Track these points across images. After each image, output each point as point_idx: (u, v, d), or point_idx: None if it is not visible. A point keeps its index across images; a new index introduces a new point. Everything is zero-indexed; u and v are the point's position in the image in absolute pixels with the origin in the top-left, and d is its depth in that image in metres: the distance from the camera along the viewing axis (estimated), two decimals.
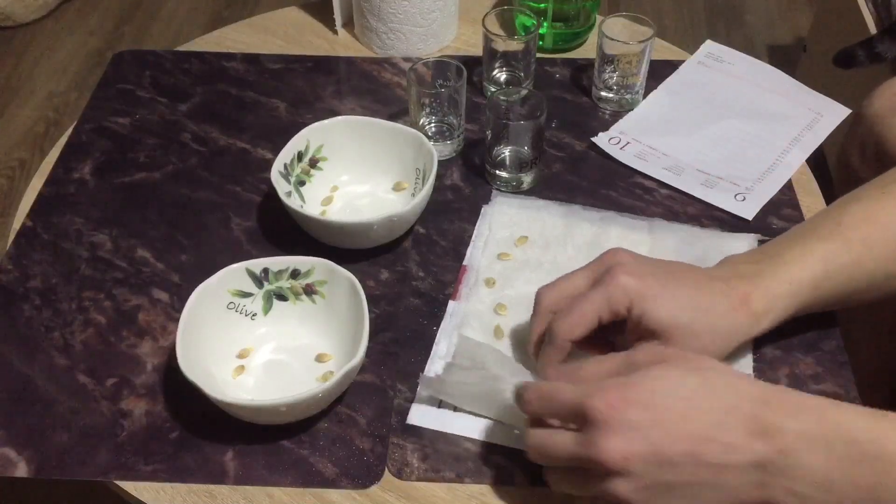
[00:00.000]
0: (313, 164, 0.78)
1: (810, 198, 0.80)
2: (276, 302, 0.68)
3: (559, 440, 0.53)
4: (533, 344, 0.62)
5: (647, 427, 0.49)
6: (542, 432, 0.54)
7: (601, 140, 0.84)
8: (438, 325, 0.69)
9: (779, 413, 0.49)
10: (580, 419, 0.51)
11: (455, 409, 0.64)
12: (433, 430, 0.63)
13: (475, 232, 0.76)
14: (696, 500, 0.50)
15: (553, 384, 0.55)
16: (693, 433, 0.49)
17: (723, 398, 0.50)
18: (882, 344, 0.89)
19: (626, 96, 0.88)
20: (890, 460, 0.47)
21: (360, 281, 0.65)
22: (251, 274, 0.67)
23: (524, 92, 0.81)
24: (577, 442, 0.51)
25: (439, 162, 0.76)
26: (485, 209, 0.78)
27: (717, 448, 0.49)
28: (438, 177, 0.79)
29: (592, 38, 0.96)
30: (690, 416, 0.50)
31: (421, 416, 0.63)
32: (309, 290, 0.68)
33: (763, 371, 0.66)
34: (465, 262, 0.74)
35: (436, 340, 0.68)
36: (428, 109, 0.82)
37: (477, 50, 0.92)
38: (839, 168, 1.02)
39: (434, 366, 0.66)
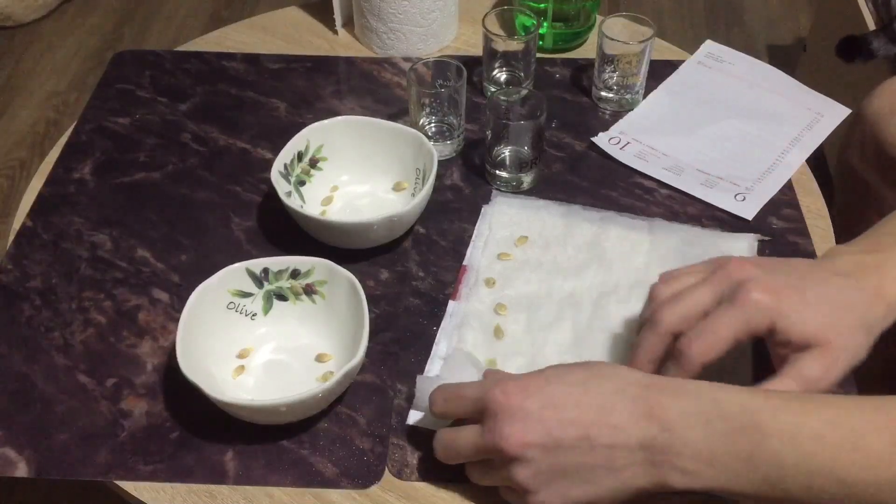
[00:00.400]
0: (313, 164, 0.78)
1: (810, 198, 0.80)
2: (276, 302, 0.68)
3: (464, 434, 0.56)
4: (642, 363, 0.59)
5: (541, 414, 0.52)
6: (447, 430, 0.57)
7: (601, 140, 0.84)
8: (438, 325, 0.69)
9: (661, 395, 0.52)
10: (482, 412, 0.54)
11: None
12: (433, 431, 0.63)
13: (475, 232, 0.76)
14: (592, 484, 0.52)
15: (458, 383, 0.58)
16: (584, 418, 0.52)
17: (610, 384, 0.53)
18: (883, 346, 0.89)
19: (626, 96, 0.88)
20: (763, 431, 0.49)
21: (360, 281, 0.65)
22: (251, 274, 0.67)
23: (524, 92, 0.81)
24: (479, 433, 0.54)
25: (439, 162, 0.76)
26: (485, 209, 0.78)
27: (606, 430, 0.51)
28: (438, 177, 0.79)
29: (592, 38, 0.96)
30: (581, 402, 0.52)
31: (421, 416, 0.63)
32: (309, 290, 0.68)
33: (763, 373, 0.66)
34: (465, 262, 0.74)
35: (436, 340, 0.68)
36: (428, 109, 0.82)
37: (477, 50, 0.92)
38: (839, 168, 1.02)
39: (434, 366, 0.66)
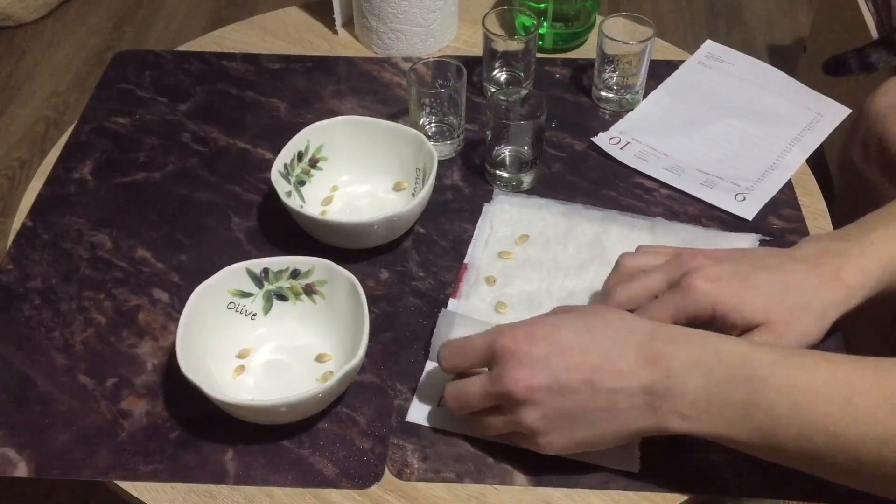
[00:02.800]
0: (313, 164, 0.78)
1: (810, 198, 0.80)
2: (276, 302, 0.68)
3: (473, 382, 0.58)
4: None
5: (548, 359, 0.54)
6: (457, 382, 0.59)
7: (601, 140, 0.84)
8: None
9: (665, 343, 0.54)
10: (490, 360, 0.57)
11: None
12: (433, 431, 0.63)
13: (476, 230, 0.76)
14: (595, 426, 0.55)
15: (465, 337, 0.60)
16: (589, 363, 0.54)
17: (616, 332, 0.55)
18: (882, 344, 0.89)
19: (626, 96, 0.88)
20: (760, 382, 0.51)
21: (360, 281, 0.65)
22: (251, 274, 0.67)
23: (524, 92, 0.81)
24: (487, 380, 0.57)
25: (439, 162, 0.76)
26: (486, 208, 0.78)
27: (609, 375, 0.54)
28: (438, 177, 0.79)
29: (592, 38, 0.96)
30: (587, 348, 0.55)
31: (421, 414, 0.63)
32: (309, 290, 0.68)
33: None
34: (465, 261, 0.74)
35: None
36: (428, 109, 0.82)
37: (477, 50, 0.92)
38: (841, 167, 1.02)
39: (434, 366, 0.66)
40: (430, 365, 0.66)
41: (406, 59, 0.95)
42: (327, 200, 0.78)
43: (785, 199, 0.79)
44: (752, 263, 0.61)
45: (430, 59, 0.82)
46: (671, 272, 0.62)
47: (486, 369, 0.58)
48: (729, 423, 0.52)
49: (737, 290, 0.59)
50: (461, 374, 0.61)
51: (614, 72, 0.86)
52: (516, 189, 0.80)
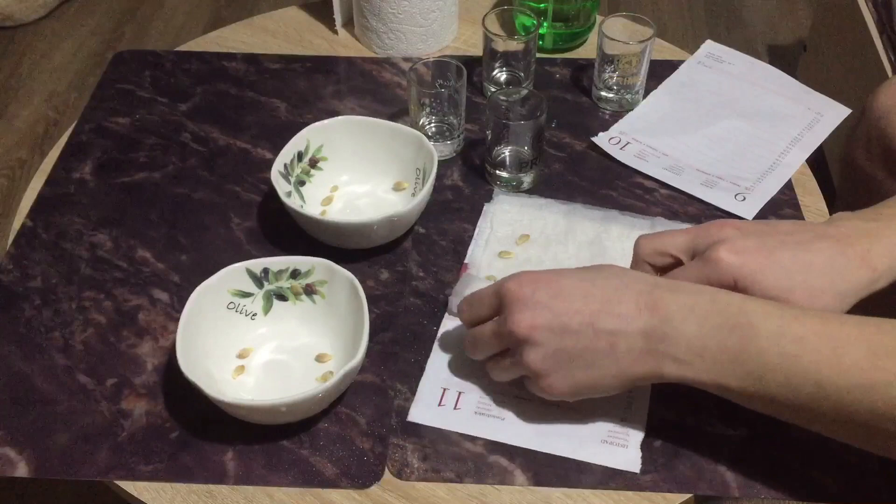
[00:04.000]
0: (313, 164, 0.78)
1: (810, 198, 0.80)
2: (276, 302, 0.68)
3: (484, 327, 0.61)
4: None
5: (550, 302, 0.57)
6: (473, 329, 0.63)
7: (601, 140, 0.84)
8: (438, 325, 0.69)
9: (665, 291, 0.56)
10: (500, 306, 0.60)
11: (455, 406, 0.64)
12: (433, 431, 0.63)
13: (476, 230, 0.76)
14: (594, 369, 0.57)
15: (478, 289, 0.63)
16: (590, 307, 0.57)
17: (618, 280, 0.58)
18: None
19: (626, 96, 0.88)
20: (752, 330, 0.53)
21: (360, 281, 0.65)
22: (251, 274, 0.67)
23: (524, 92, 0.81)
24: (496, 322, 0.60)
25: (439, 162, 0.76)
26: (487, 207, 0.78)
27: (610, 318, 0.56)
28: (438, 177, 0.79)
29: (592, 38, 0.96)
30: (589, 293, 0.57)
31: (421, 413, 0.63)
32: (309, 290, 0.68)
33: None
34: (465, 261, 0.74)
35: (436, 340, 0.68)
36: (428, 109, 0.82)
37: (477, 50, 0.92)
38: (843, 164, 1.01)
39: (435, 364, 0.66)
40: (431, 364, 0.66)
41: (406, 59, 0.95)
42: (327, 200, 0.78)
43: (785, 199, 0.79)
44: (779, 238, 0.61)
45: (430, 59, 0.82)
46: (697, 237, 0.62)
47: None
48: (720, 369, 0.54)
49: (760, 266, 0.59)
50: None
51: (614, 72, 0.86)
52: (516, 189, 0.80)
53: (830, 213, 0.79)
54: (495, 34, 0.87)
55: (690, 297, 0.56)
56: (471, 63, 0.90)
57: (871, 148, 0.93)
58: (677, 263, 0.62)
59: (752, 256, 0.59)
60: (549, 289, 0.58)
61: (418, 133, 0.76)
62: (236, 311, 0.67)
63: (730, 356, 0.54)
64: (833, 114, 0.87)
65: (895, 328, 0.53)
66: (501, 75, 0.89)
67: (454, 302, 0.68)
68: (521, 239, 0.75)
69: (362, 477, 0.60)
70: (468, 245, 0.75)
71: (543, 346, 0.57)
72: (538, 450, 0.61)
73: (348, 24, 0.99)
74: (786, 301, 0.58)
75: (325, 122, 0.77)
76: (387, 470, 0.61)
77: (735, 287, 0.59)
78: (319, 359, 0.66)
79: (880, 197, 0.81)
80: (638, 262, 0.64)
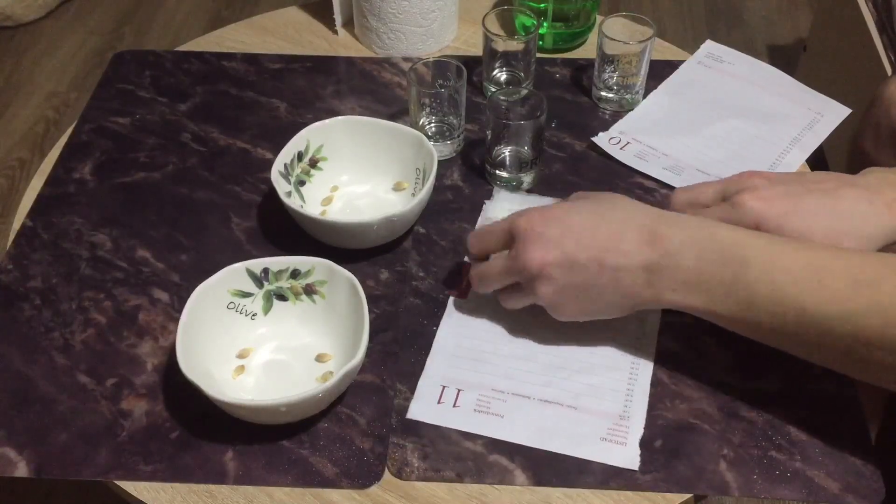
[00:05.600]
0: (313, 164, 0.78)
1: None
2: (276, 302, 0.68)
3: (493, 262, 0.65)
4: None
5: (560, 239, 0.61)
6: (481, 263, 0.66)
7: (601, 140, 0.84)
8: (438, 325, 0.69)
9: (666, 226, 0.60)
10: (509, 241, 0.63)
11: (454, 404, 0.64)
12: (433, 430, 0.63)
13: (476, 227, 0.76)
14: (601, 299, 0.62)
15: (487, 224, 0.67)
16: (597, 243, 0.60)
17: (623, 216, 0.61)
18: None
19: (626, 96, 0.88)
20: (744, 262, 0.57)
21: (360, 281, 0.65)
22: (251, 274, 0.67)
23: (524, 92, 0.81)
24: (507, 258, 0.63)
25: (439, 162, 0.76)
26: (486, 205, 0.78)
27: (615, 255, 0.60)
28: (438, 177, 0.79)
29: (592, 38, 0.96)
30: (596, 229, 0.61)
31: (420, 411, 0.64)
32: (309, 290, 0.68)
33: (763, 371, 0.66)
34: (468, 260, 0.74)
35: (436, 338, 0.68)
36: (428, 109, 0.82)
37: (477, 50, 0.92)
38: (851, 153, 1.01)
39: (434, 362, 0.66)
40: (430, 362, 0.66)
41: (406, 59, 0.95)
42: (327, 200, 0.78)
43: None
44: (806, 186, 0.63)
45: (430, 59, 0.82)
46: (728, 187, 0.65)
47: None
48: (714, 298, 0.58)
49: (783, 211, 0.62)
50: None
51: (614, 72, 0.86)
52: (516, 189, 0.80)
53: None
54: (495, 34, 0.87)
55: (690, 231, 0.59)
56: (471, 63, 0.90)
57: (880, 136, 0.93)
58: None
59: (776, 202, 0.62)
60: (559, 226, 0.61)
61: (418, 133, 0.76)
62: (236, 311, 0.67)
63: (723, 287, 0.58)
64: (833, 114, 0.87)
65: (879, 260, 0.56)
66: (501, 75, 0.89)
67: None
68: None
69: (362, 477, 0.60)
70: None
71: (554, 281, 0.61)
72: (537, 447, 0.62)
73: (348, 24, 0.99)
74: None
75: (325, 122, 0.77)
76: (387, 470, 0.61)
77: (758, 230, 0.61)
78: (319, 359, 0.66)
79: None
80: (672, 209, 0.67)
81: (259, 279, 0.67)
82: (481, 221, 0.77)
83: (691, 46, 0.96)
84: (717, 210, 0.64)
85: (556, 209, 0.63)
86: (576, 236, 0.61)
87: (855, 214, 0.62)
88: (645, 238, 0.59)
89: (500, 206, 0.78)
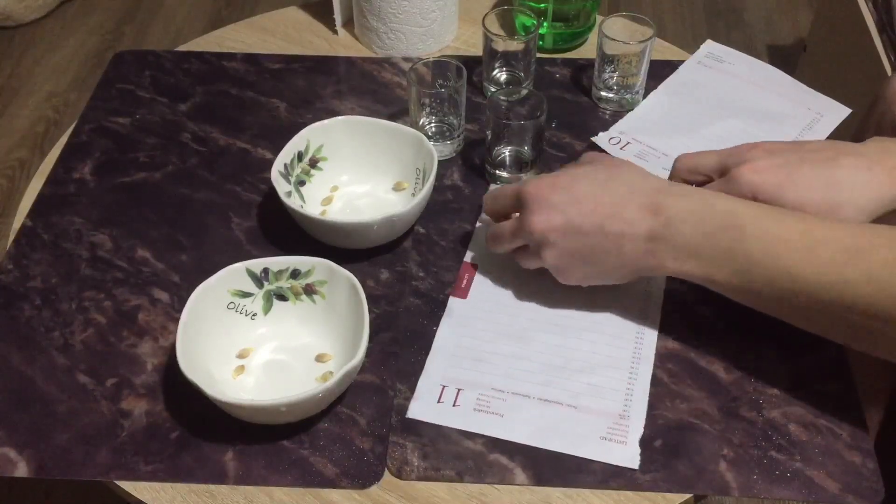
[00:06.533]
0: (313, 164, 0.78)
1: None
2: (276, 302, 0.68)
3: (505, 225, 0.68)
4: None
5: (565, 206, 0.63)
6: (495, 225, 0.69)
7: (601, 140, 0.84)
8: (438, 325, 0.69)
9: (668, 195, 0.62)
10: (519, 205, 0.66)
11: (454, 403, 0.64)
12: (433, 429, 0.63)
13: (476, 226, 0.76)
14: (603, 265, 0.64)
15: (501, 186, 0.71)
16: (601, 210, 0.62)
17: (628, 185, 0.63)
18: None
19: (626, 96, 0.88)
20: (742, 231, 0.59)
21: (360, 281, 0.65)
22: (251, 274, 0.67)
23: (524, 92, 0.81)
24: (515, 221, 0.66)
25: (439, 162, 0.76)
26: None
27: (618, 222, 0.62)
28: (438, 177, 0.79)
29: (592, 38, 0.96)
30: (600, 198, 0.63)
31: (420, 410, 0.64)
32: (309, 290, 0.68)
33: (763, 371, 0.66)
34: (466, 260, 0.74)
35: (436, 338, 0.68)
36: (428, 109, 0.82)
37: (477, 50, 0.92)
38: None
39: (434, 361, 0.66)
40: (430, 361, 0.66)
41: (406, 59, 0.95)
42: (327, 200, 0.78)
43: None
44: (803, 156, 0.64)
45: (430, 59, 0.82)
46: (729, 158, 0.66)
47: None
48: (713, 265, 0.60)
49: (779, 182, 0.63)
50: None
51: (614, 72, 0.86)
52: None
53: None
54: (495, 34, 0.87)
55: (690, 201, 0.61)
56: (471, 63, 0.90)
57: (881, 131, 0.93)
58: (709, 181, 0.67)
59: (772, 173, 0.63)
60: (565, 193, 0.63)
61: (418, 133, 0.76)
62: (236, 311, 0.67)
63: (721, 255, 0.60)
64: (833, 114, 0.87)
65: (872, 231, 0.57)
66: (501, 75, 0.89)
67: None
68: None
69: (362, 477, 0.60)
70: (468, 245, 0.75)
71: (558, 246, 0.64)
72: (537, 446, 0.62)
73: (348, 24, 0.99)
74: (820, 214, 0.62)
75: (325, 122, 0.77)
76: (386, 470, 0.61)
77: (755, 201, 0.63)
78: (319, 359, 0.66)
79: None
80: (674, 178, 0.70)
81: (259, 279, 0.67)
82: (479, 227, 0.77)
83: (691, 46, 0.96)
84: (716, 185, 0.66)
85: (564, 176, 0.65)
86: (580, 204, 0.63)
87: (853, 184, 0.62)
88: (647, 208, 0.61)
89: None
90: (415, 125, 0.81)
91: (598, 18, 0.94)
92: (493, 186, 0.76)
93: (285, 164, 0.75)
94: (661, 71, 0.91)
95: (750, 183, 0.63)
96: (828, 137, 0.85)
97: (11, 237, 0.77)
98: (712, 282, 0.61)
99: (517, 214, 0.67)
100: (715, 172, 0.67)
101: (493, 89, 0.89)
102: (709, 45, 0.95)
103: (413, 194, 0.76)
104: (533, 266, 0.68)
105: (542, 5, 0.92)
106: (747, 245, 0.59)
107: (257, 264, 0.67)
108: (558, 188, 0.64)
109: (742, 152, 0.66)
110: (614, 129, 0.86)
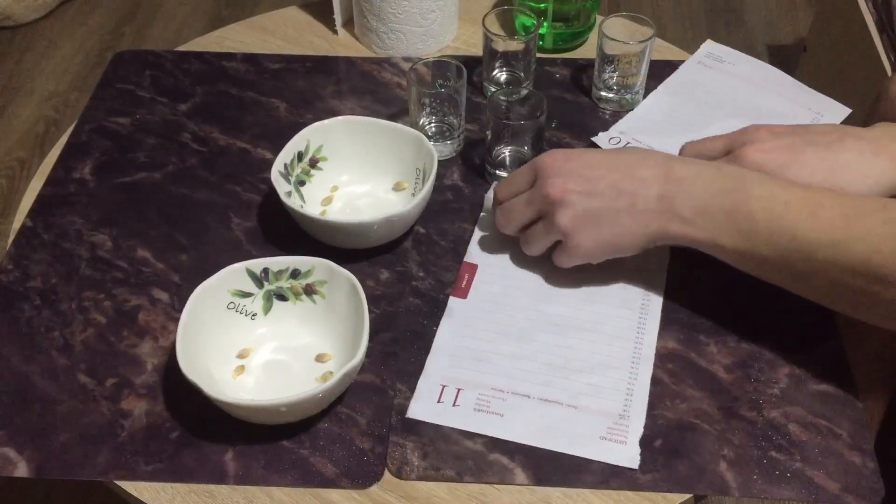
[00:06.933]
0: (313, 164, 0.78)
1: None
2: (276, 302, 0.68)
3: (517, 199, 0.69)
4: None
5: (580, 170, 0.65)
6: (506, 203, 0.70)
7: (601, 140, 0.84)
8: (438, 325, 0.69)
9: (678, 163, 0.64)
10: (533, 178, 0.67)
11: (454, 403, 0.64)
12: (433, 429, 0.63)
13: (476, 226, 0.76)
14: (616, 225, 0.65)
15: (514, 171, 0.71)
16: (614, 173, 0.65)
17: (639, 155, 0.66)
18: (882, 344, 0.89)
19: (626, 96, 0.88)
20: (746, 193, 0.61)
21: (360, 281, 0.65)
22: (251, 274, 0.67)
23: (524, 92, 0.81)
24: (531, 191, 0.67)
25: (439, 162, 0.76)
26: (488, 198, 0.78)
27: (631, 181, 0.64)
28: (438, 177, 0.79)
29: (592, 38, 0.96)
30: (613, 163, 0.66)
31: (420, 409, 0.64)
32: (309, 290, 0.68)
33: (763, 371, 0.66)
34: (466, 259, 0.74)
35: (436, 338, 0.68)
36: (428, 109, 0.82)
37: (477, 50, 0.92)
38: None
39: (434, 361, 0.66)
40: (430, 361, 0.66)
41: (406, 59, 0.95)
42: (327, 200, 0.78)
43: None
44: (808, 139, 0.66)
45: (430, 59, 0.82)
46: (734, 141, 0.68)
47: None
48: (718, 227, 0.62)
49: (782, 163, 0.65)
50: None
51: (614, 72, 0.86)
52: None
53: None
54: (495, 34, 0.87)
55: (699, 166, 0.64)
56: (471, 63, 0.90)
57: None
58: None
59: (776, 154, 0.65)
60: (578, 161, 0.66)
61: (418, 133, 0.76)
62: (236, 311, 0.67)
63: (726, 216, 0.61)
64: (833, 114, 0.87)
65: (874, 200, 0.59)
66: (501, 75, 0.89)
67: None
68: None
69: (362, 477, 0.60)
70: (468, 245, 0.75)
71: (574, 207, 0.65)
72: (536, 446, 0.62)
73: (348, 24, 0.99)
74: None
75: (325, 122, 0.77)
76: (386, 470, 0.61)
77: None
78: (319, 359, 0.66)
79: None
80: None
81: (259, 279, 0.67)
82: (483, 213, 0.77)
83: (691, 46, 0.96)
84: (721, 162, 0.67)
85: (576, 150, 0.68)
86: (595, 168, 0.65)
87: (857, 168, 0.64)
88: (660, 171, 0.64)
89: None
90: (415, 125, 0.81)
91: (598, 18, 0.94)
92: (494, 184, 0.76)
93: (285, 164, 0.75)
94: (661, 71, 0.91)
95: (754, 162, 0.65)
96: None
97: (11, 237, 0.77)
98: (716, 245, 0.63)
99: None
100: (721, 155, 0.68)
101: (493, 89, 0.89)
102: (709, 45, 0.95)
103: (413, 194, 0.76)
104: (541, 245, 0.69)
105: (542, 5, 0.92)
106: (751, 207, 0.60)
107: (257, 264, 0.67)
108: (573, 157, 0.66)
109: (748, 133, 0.68)
110: (614, 129, 0.86)
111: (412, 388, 0.65)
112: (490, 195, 0.78)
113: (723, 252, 0.63)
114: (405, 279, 0.73)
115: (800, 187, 0.61)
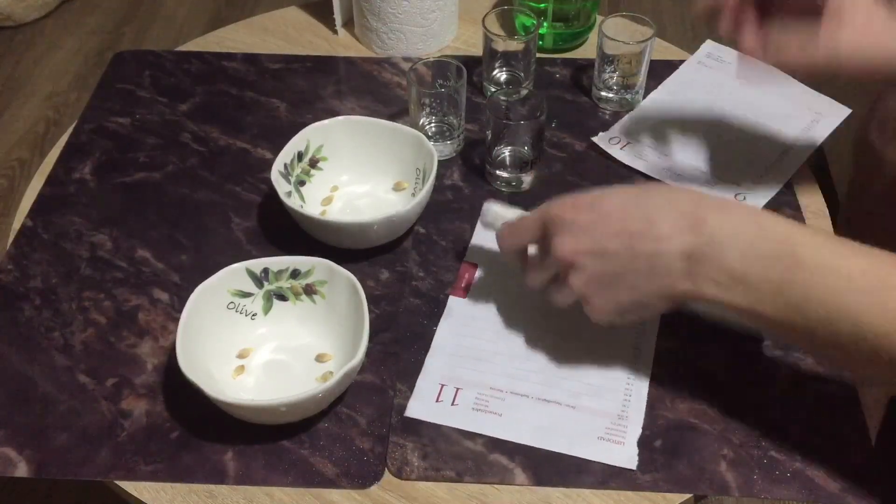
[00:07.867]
0: (313, 164, 0.78)
1: (810, 198, 0.80)
2: (276, 302, 0.68)
3: (532, 264, 0.63)
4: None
5: (592, 226, 0.58)
6: (526, 263, 0.64)
7: (601, 140, 0.84)
8: (438, 325, 0.69)
9: (710, 210, 0.56)
10: (543, 232, 0.61)
11: (453, 402, 0.64)
12: (433, 429, 0.63)
13: (476, 228, 0.76)
14: (635, 290, 0.58)
15: (519, 217, 0.65)
16: (629, 228, 0.57)
17: (661, 200, 0.57)
18: None
19: (626, 96, 0.88)
20: (798, 262, 0.53)
21: (360, 281, 0.65)
22: (251, 274, 0.67)
23: (524, 92, 0.81)
24: (542, 253, 0.61)
25: (439, 162, 0.76)
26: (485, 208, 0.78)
27: (649, 240, 0.56)
28: (438, 177, 0.79)
29: (592, 38, 0.96)
30: (629, 213, 0.57)
31: (418, 408, 0.64)
32: (309, 290, 0.68)
33: (763, 371, 0.66)
34: (468, 260, 0.74)
35: (435, 337, 0.68)
36: (428, 109, 0.82)
37: (477, 50, 0.92)
38: (857, 146, 1.01)
39: (433, 360, 0.66)
40: (429, 360, 0.66)
41: (406, 59, 0.95)
42: (327, 200, 0.78)
43: (785, 200, 0.79)
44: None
45: (430, 59, 0.82)
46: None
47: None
48: (761, 297, 0.54)
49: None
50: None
51: (614, 72, 0.86)
52: (516, 189, 0.80)
53: (830, 213, 0.79)
54: (495, 34, 0.87)
55: (737, 219, 0.55)
56: (471, 63, 0.90)
57: (885, 128, 0.93)
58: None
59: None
60: (591, 212, 0.59)
61: (418, 133, 0.76)
62: (236, 311, 0.67)
63: (772, 286, 0.53)
64: (833, 114, 0.87)
65: None
66: (501, 75, 0.89)
67: (489, 209, 0.68)
68: None
69: (362, 477, 0.60)
70: (468, 245, 0.75)
71: (586, 270, 0.58)
72: (535, 446, 0.62)
73: (348, 24, 0.99)
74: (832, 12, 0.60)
75: (325, 122, 0.77)
76: (386, 470, 0.61)
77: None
78: (319, 359, 0.66)
79: (891, 177, 0.81)
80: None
81: (259, 279, 0.67)
82: (479, 227, 0.76)
83: (691, 46, 0.96)
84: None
85: (590, 195, 0.60)
86: (608, 222, 0.58)
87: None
88: (686, 222, 0.55)
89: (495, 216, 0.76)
90: (415, 125, 0.81)
91: (598, 18, 0.94)
92: (488, 203, 0.70)
93: (285, 164, 0.75)
94: (661, 71, 0.91)
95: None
96: (828, 137, 0.85)
97: (11, 237, 0.77)
98: (759, 315, 0.55)
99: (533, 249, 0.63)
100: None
101: (493, 89, 0.89)
102: (709, 45, 0.95)
103: (413, 194, 0.76)
104: (567, 301, 0.62)
105: (542, 5, 0.92)
106: (805, 278, 0.52)
107: (257, 264, 0.67)
108: (582, 207, 0.59)
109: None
110: (614, 129, 0.86)
111: (412, 388, 0.65)
112: (488, 207, 0.75)
113: (765, 322, 0.55)
114: (405, 279, 0.73)
115: (859, 254, 0.53)
